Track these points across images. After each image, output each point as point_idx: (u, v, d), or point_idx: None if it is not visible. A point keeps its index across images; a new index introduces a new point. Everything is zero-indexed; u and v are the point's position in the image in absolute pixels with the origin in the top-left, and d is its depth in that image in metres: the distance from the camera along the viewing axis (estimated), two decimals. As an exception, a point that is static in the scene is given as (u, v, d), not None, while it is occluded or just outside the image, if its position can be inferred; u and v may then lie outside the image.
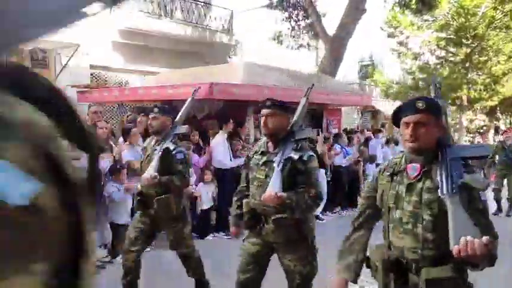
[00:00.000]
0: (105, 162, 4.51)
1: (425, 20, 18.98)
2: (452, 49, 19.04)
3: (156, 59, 11.73)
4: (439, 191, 1.73)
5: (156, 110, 3.57)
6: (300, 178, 2.68)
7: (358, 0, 11.64)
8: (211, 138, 6.37)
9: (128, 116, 6.45)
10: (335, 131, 9.04)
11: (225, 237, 6.07)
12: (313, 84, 3.27)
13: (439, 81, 2.18)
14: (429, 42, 18.92)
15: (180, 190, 3.59)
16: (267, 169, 2.72)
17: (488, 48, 17.62)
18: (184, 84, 6.18)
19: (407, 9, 14.30)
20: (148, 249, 5.22)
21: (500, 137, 9.64)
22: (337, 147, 8.10)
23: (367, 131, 11.98)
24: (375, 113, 21.49)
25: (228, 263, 5.03)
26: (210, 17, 13.21)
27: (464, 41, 18.01)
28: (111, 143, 5.33)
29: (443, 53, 19.64)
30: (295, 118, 2.90)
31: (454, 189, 1.68)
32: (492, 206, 7.97)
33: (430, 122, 1.83)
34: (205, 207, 6.00)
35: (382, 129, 10.97)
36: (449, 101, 19.37)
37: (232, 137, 6.42)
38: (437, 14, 17.87)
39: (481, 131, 20.95)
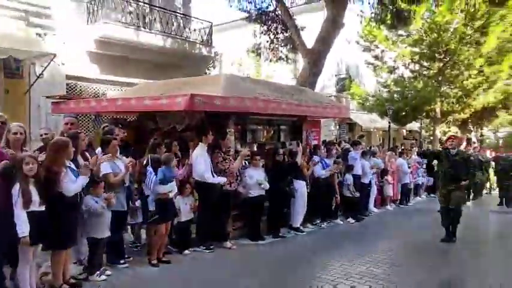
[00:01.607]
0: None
1: (400, 35, 19.54)
2: (425, 63, 19.64)
3: (134, 70, 11.59)
4: None
5: None
6: None
7: (336, 15, 11.87)
8: (191, 150, 6.28)
9: (103, 128, 6.29)
10: (314, 142, 9.10)
11: (206, 251, 5.97)
12: None
13: None
14: (403, 56, 19.45)
15: None
16: None
17: (460, 63, 18.26)
18: (164, 95, 6.10)
19: (383, 24, 14.68)
20: (126, 265, 5.11)
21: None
22: (316, 158, 8.16)
23: (345, 142, 12.15)
24: (352, 125, 21.86)
25: (209, 279, 4.94)
26: (190, 28, 13.20)
27: (437, 55, 18.63)
28: (87, 154, 5.18)
29: (417, 67, 20.23)
30: None
31: None
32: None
33: None
34: (184, 219, 5.88)
35: (360, 140, 11.10)
36: (424, 114, 19.90)
37: (213, 149, 6.36)
38: (411, 30, 18.43)
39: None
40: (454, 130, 23.48)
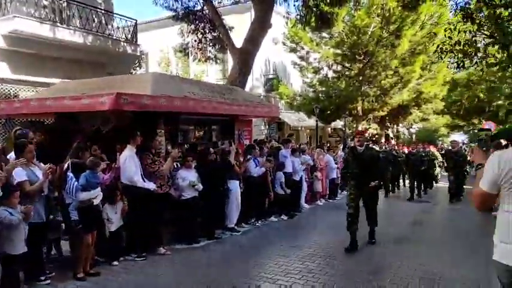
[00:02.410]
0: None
1: (323, 37, 20.40)
2: (347, 64, 20.68)
3: (51, 69, 10.70)
4: None
5: None
6: None
7: (263, 15, 12.00)
8: (118, 153, 5.90)
9: (15, 131, 5.68)
10: (247, 142, 9.11)
11: (138, 259, 5.65)
12: None
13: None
14: (327, 57, 20.31)
15: None
16: None
17: (378, 64, 19.49)
18: (87, 94, 5.67)
19: (308, 26, 15.15)
20: (47, 281, 4.65)
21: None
22: (249, 157, 8.16)
23: (275, 141, 12.35)
24: (280, 124, 22.36)
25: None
26: (112, 26, 12.52)
27: (357, 57, 19.71)
28: (-1, 162, 4.62)
29: (339, 68, 21.24)
30: None
31: None
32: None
33: None
34: (113, 228, 5.52)
35: (290, 138, 11.36)
36: (347, 112, 20.96)
37: (142, 151, 6.05)
38: (334, 32, 19.31)
39: (374, 139, 22.95)
40: (374, 127, 25.05)
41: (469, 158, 14.91)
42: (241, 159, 7.93)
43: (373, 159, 6.44)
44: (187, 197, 6.55)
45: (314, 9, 12.76)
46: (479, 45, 9.10)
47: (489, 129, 18.81)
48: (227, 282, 4.73)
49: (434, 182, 15.26)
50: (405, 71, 19.71)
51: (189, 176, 6.56)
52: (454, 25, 8.59)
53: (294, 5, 13.49)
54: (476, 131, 36.01)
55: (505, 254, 2.12)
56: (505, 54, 7.33)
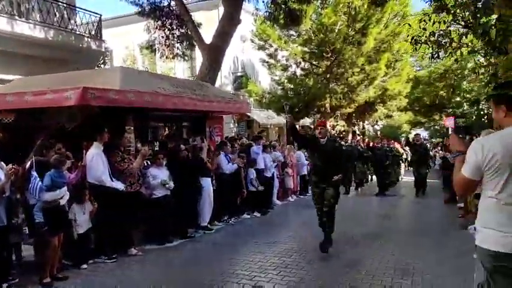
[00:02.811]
0: None
1: (291, 35, 20.49)
2: (315, 62, 20.86)
3: (9, 66, 10.13)
4: None
5: None
6: None
7: (232, 11, 11.89)
8: (84, 151, 5.63)
9: (-27, 130, 5.32)
10: (218, 138, 8.99)
11: (108, 261, 5.42)
12: None
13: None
14: (295, 55, 20.40)
15: None
16: None
17: (345, 61, 19.77)
18: (51, 89, 5.36)
19: (276, 23, 15.15)
20: None
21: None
22: (222, 154, 8.06)
23: (245, 138, 12.29)
24: (250, 122, 22.30)
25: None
26: (75, 21, 12.01)
27: (324, 54, 19.91)
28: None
29: (307, 65, 21.39)
30: None
31: None
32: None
33: None
34: (81, 231, 5.26)
35: (261, 135, 11.32)
36: (315, 109, 21.16)
37: (109, 149, 5.81)
38: (301, 30, 19.44)
39: (341, 135, 23.32)
40: (341, 123, 25.45)
41: (431, 153, 15.35)
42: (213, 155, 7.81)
43: (336, 151, 5.94)
44: (158, 195, 6.37)
45: (283, 6, 12.78)
46: (453, 35, 9.16)
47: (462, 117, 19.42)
48: (202, 281, 4.62)
49: (396, 179, 15.50)
50: (371, 68, 20.10)
51: (160, 174, 6.38)
52: (429, 16, 8.72)
53: (263, 2, 13.40)
54: (437, 127, 37.46)
55: (487, 239, 2.14)
56: (483, 41, 7.24)
